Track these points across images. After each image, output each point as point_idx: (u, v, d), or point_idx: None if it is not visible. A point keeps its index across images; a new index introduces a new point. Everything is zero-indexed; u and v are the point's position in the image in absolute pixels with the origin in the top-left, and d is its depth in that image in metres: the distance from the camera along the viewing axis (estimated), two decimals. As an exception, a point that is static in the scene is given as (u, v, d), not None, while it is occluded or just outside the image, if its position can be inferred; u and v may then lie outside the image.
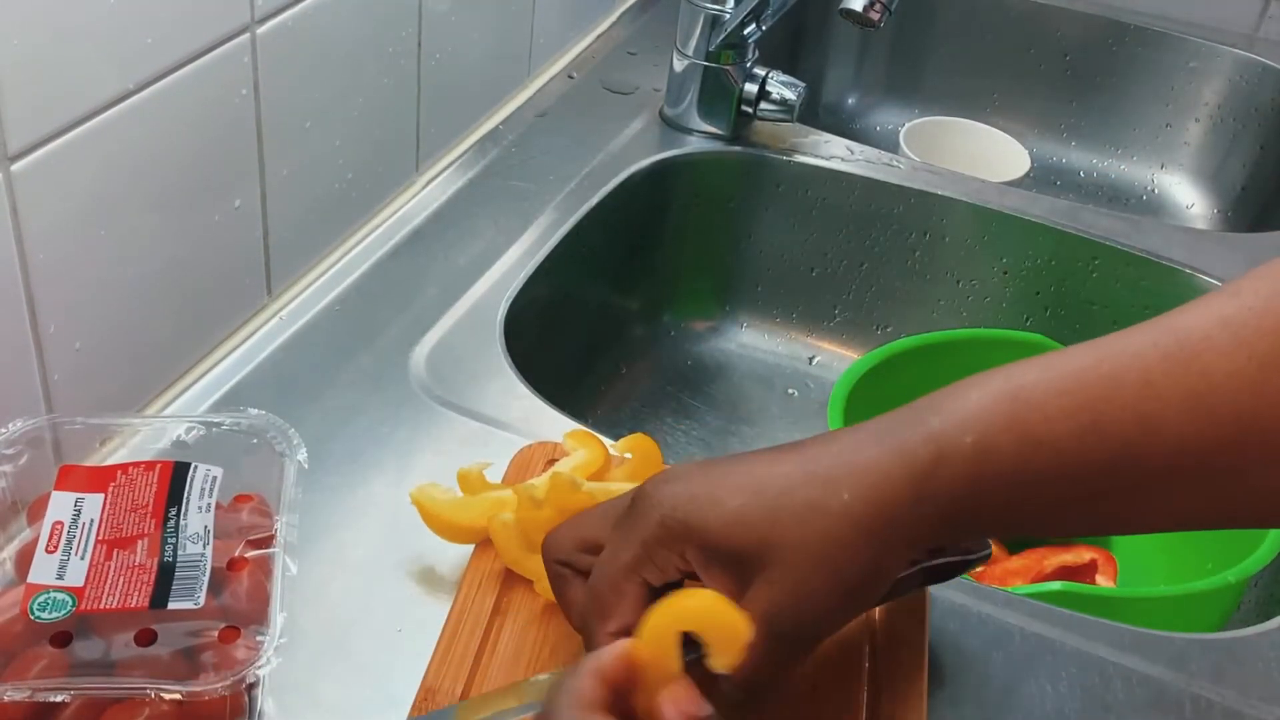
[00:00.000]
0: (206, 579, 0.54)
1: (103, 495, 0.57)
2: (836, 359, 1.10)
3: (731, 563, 0.48)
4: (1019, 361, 0.48)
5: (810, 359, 1.11)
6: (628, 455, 0.69)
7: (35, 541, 0.55)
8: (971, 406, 0.47)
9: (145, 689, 0.51)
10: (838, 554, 0.47)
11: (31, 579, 0.53)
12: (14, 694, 0.50)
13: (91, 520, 0.56)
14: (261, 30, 0.72)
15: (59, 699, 0.51)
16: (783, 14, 1.02)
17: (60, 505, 0.57)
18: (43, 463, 0.62)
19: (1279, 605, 0.85)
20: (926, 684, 0.59)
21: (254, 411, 0.64)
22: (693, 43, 1.03)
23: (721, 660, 0.48)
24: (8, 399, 0.63)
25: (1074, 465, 0.45)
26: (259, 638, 0.54)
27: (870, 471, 0.47)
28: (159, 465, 0.59)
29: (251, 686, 0.54)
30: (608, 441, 0.70)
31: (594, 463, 0.67)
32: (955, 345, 0.82)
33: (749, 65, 1.03)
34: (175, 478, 0.58)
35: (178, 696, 0.51)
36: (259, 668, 0.52)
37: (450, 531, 0.65)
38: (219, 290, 0.76)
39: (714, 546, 0.48)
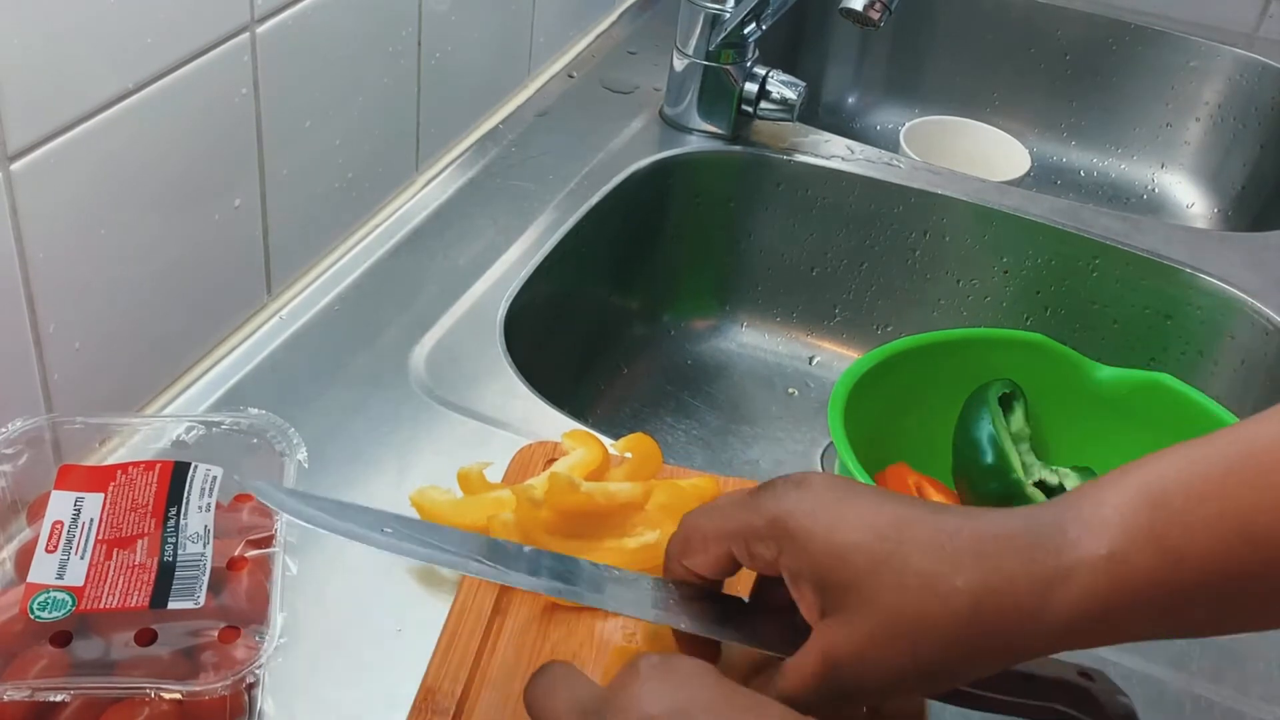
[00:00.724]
0: (206, 579, 0.54)
1: (103, 495, 0.57)
2: (836, 359, 1.10)
3: (819, 589, 0.47)
4: (1159, 455, 0.45)
5: (810, 359, 1.11)
6: (628, 455, 0.69)
7: (35, 541, 0.55)
8: (1109, 514, 0.44)
9: (145, 689, 0.51)
10: (926, 636, 0.45)
11: (31, 578, 0.53)
12: (14, 694, 0.50)
13: (91, 520, 0.56)
14: (261, 30, 0.72)
15: (59, 699, 0.51)
16: (783, 13, 1.02)
17: (60, 505, 0.57)
18: (43, 462, 0.62)
19: (1279, 605, 0.85)
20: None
21: (254, 411, 0.64)
22: (693, 42, 1.03)
23: None
24: (8, 399, 0.63)
25: (1220, 576, 0.43)
26: (259, 638, 0.54)
27: (995, 570, 0.44)
28: (159, 465, 0.59)
29: (251, 686, 0.54)
30: (607, 441, 0.70)
31: (592, 462, 0.67)
32: (955, 345, 0.82)
33: (749, 65, 1.03)
34: (175, 477, 0.58)
35: (178, 696, 0.51)
36: (259, 667, 0.52)
37: (450, 531, 0.64)
38: (219, 290, 0.76)
39: (810, 567, 0.47)
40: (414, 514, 0.64)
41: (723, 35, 1.01)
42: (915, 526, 0.46)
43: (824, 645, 0.46)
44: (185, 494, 0.58)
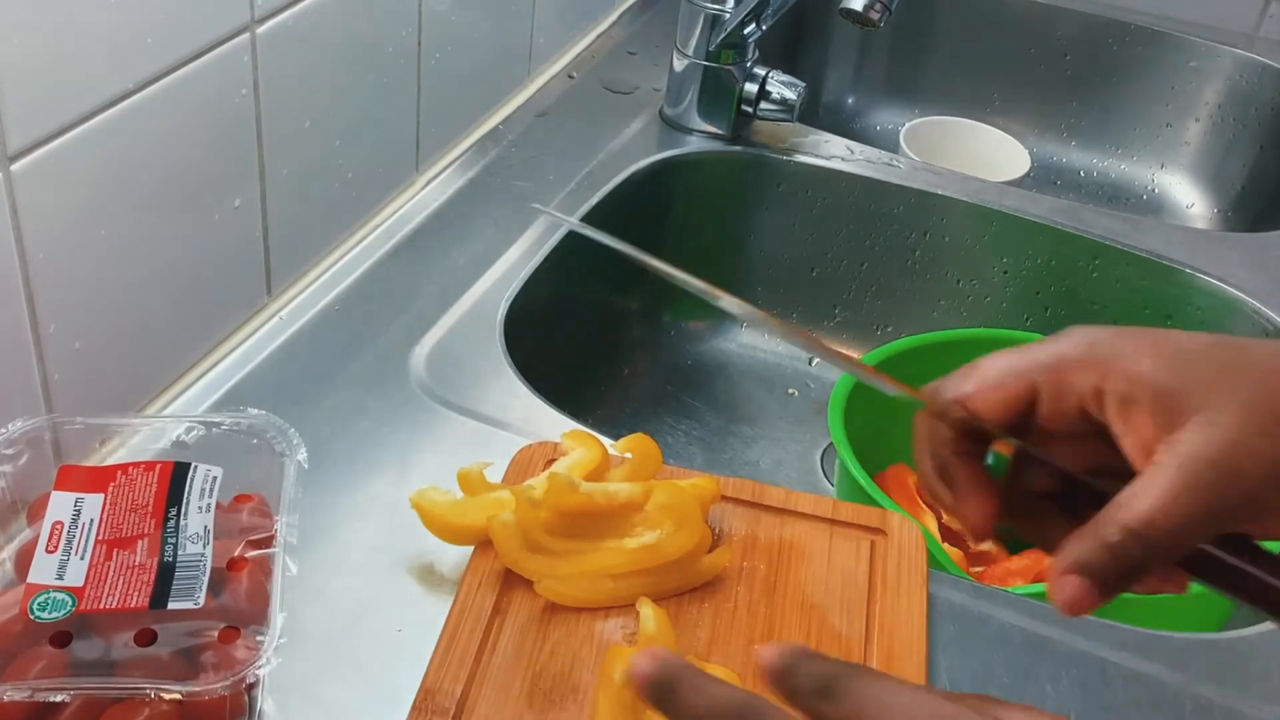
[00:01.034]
0: (206, 579, 0.54)
1: (102, 495, 0.57)
2: (836, 359, 1.10)
3: (1161, 404, 0.44)
4: None
5: (810, 359, 1.11)
6: (627, 455, 0.69)
7: (35, 541, 0.55)
8: None
9: (145, 689, 0.51)
10: None
11: (31, 579, 0.53)
12: (14, 694, 0.50)
13: (91, 520, 0.56)
14: (261, 30, 0.72)
15: (59, 699, 0.51)
16: (783, 14, 1.02)
17: (60, 505, 0.57)
18: (43, 463, 0.62)
19: (1279, 605, 0.85)
20: (926, 684, 0.59)
21: (254, 411, 0.64)
22: (693, 42, 1.03)
23: None
24: (8, 399, 0.63)
25: None
26: (259, 638, 0.54)
27: None
28: (159, 465, 0.59)
29: (251, 686, 0.54)
30: (607, 441, 0.70)
31: (591, 462, 0.67)
32: (955, 345, 0.82)
33: (749, 65, 1.03)
34: (175, 478, 0.58)
35: (177, 696, 0.51)
36: (259, 668, 0.52)
37: (450, 533, 0.65)
38: (219, 290, 0.76)
39: (1148, 383, 0.44)
40: (414, 515, 0.64)
41: (723, 35, 1.01)
42: (1228, 340, 0.45)
43: (1183, 455, 0.43)
44: (185, 494, 0.58)
